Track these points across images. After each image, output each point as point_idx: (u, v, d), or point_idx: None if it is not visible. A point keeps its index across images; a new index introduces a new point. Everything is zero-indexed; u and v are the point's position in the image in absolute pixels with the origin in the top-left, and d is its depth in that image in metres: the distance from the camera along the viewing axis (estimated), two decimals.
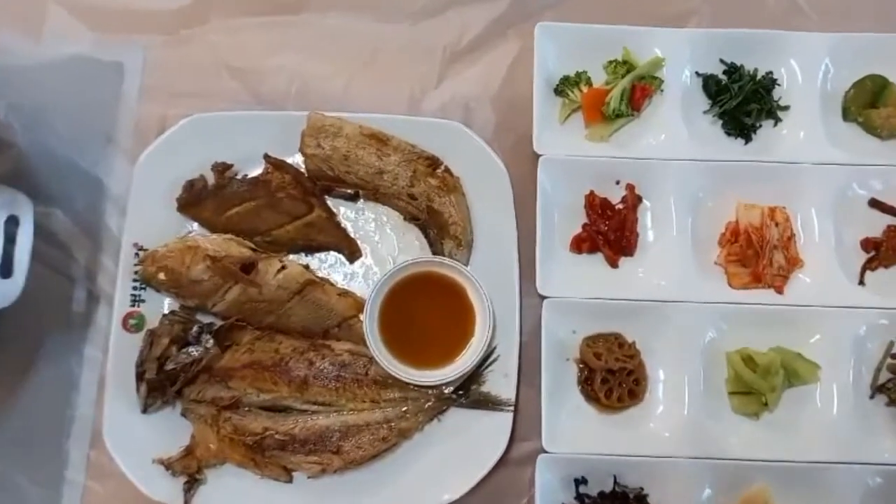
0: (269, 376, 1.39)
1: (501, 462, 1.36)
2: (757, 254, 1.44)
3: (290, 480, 1.37)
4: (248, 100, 1.64)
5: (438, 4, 1.63)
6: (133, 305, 1.46)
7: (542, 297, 1.40)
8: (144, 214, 1.46)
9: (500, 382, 1.40)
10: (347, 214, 1.51)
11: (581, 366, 1.43)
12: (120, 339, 1.42)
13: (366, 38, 1.66)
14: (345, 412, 1.39)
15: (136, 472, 1.34)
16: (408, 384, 1.38)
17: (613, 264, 1.48)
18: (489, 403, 1.40)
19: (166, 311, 1.43)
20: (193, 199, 1.47)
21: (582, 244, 1.48)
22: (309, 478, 1.36)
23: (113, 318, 1.43)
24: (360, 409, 1.39)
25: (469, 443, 1.37)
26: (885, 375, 1.42)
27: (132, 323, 1.45)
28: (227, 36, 1.65)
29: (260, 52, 1.66)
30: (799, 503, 1.33)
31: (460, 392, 1.41)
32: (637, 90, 1.57)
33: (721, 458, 1.35)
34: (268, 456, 1.35)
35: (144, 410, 1.37)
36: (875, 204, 1.54)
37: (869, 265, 1.51)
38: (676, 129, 1.49)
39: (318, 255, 1.50)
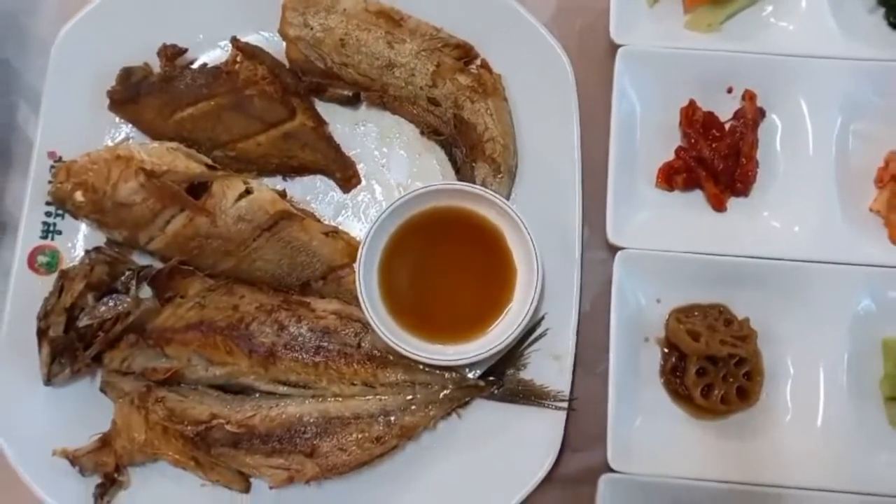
0: (222, 342, 1.15)
1: (548, 481, 1.14)
2: None
3: (246, 490, 1.15)
4: None
5: None
6: (45, 238, 1.24)
7: (615, 249, 1.18)
8: (65, 113, 1.26)
9: (549, 367, 1.17)
10: (343, 125, 1.28)
11: (667, 349, 1.18)
12: (24, 281, 1.21)
13: None
14: (326, 398, 1.16)
15: (30, 466, 1.14)
16: (416, 363, 1.15)
17: (719, 206, 1.23)
18: (532, 396, 1.15)
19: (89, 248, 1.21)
20: (131, 95, 1.24)
21: (675, 177, 1.24)
22: (271, 488, 1.13)
23: (16, 254, 1.22)
24: (347, 394, 1.16)
25: (502, 451, 1.15)
26: None
27: (42, 261, 1.23)
28: None
29: None
30: None
31: (491, 378, 1.17)
32: None
33: (872, 493, 1.10)
34: (215, 454, 1.13)
35: (48, 381, 1.15)
36: None
37: None
38: (818, 15, 1.24)
39: (299, 178, 1.27)
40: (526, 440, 1.14)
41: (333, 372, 1.14)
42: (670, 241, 1.19)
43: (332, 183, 1.26)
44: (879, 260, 1.16)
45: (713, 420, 1.16)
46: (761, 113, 1.23)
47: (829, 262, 1.16)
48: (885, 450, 1.13)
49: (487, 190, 1.17)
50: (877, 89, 1.21)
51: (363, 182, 1.26)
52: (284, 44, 1.25)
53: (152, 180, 1.15)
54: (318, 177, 1.27)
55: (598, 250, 1.21)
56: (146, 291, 1.19)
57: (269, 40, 1.27)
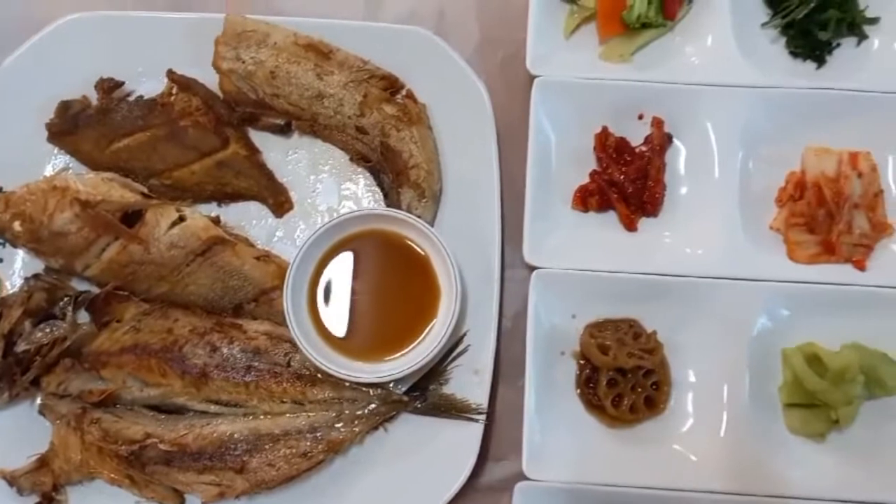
0: (156, 364, 1.20)
1: (468, 488, 1.18)
2: (830, 216, 1.24)
3: None
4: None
5: None
6: None
7: (532, 269, 1.22)
8: (6, 145, 1.30)
9: (470, 381, 1.22)
10: (275, 152, 1.33)
11: (582, 362, 1.24)
12: None
13: None
14: (257, 416, 1.20)
15: None
16: (343, 381, 1.18)
17: (630, 226, 1.28)
18: (453, 409, 1.20)
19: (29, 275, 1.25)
20: (69, 126, 1.29)
21: (589, 199, 1.29)
22: (204, 503, 1.17)
23: None
24: (277, 412, 1.20)
25: (425, 462, 1.20)
26: None
27: None
28: None
29: None
30: None
31: (415, 393, 1.22)
32: None
33: (771, 495, 1.15)
34: (149, 472, 1.17)
35: None
36: None
37: None
38: (724, 45, 1.29)
39: (234, 204, 1.32)
40: (448, 451, 1.18)
41: (264, 391, 1.19)
42: (586, 260, 1.23)
43: (265, 209, 1.30)
44: (779, 275, 1.21)
45: (624, 428, 1.20)
46: (668, 138, 1.28)
47: (732, 279, 1.20)
48: (783, 453, 1.18)
49: (410, 215, 1.23)
50: (778, 114, 1.26)
51: (295, 207, 1.30)
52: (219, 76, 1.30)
53: (87, 210, 1.19)
54: (252, 202, 1.31)
55: (520, 269, 1.26)
56: (85, 316, 1.24)
57: (203, 72, 1.30)
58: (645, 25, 1.30)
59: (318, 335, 1.21)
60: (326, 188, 1.32)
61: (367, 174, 1.32)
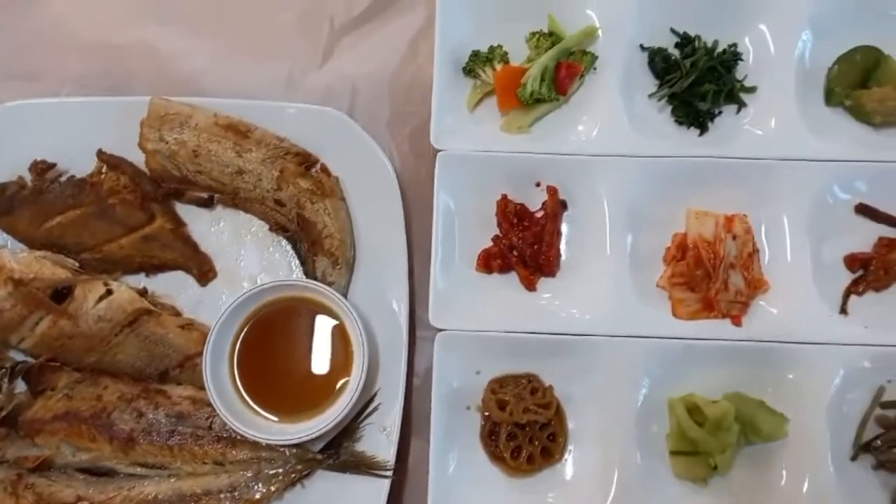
0: (86, 430, 1.28)
1: None
2: (708, 275, 1.32)
3: None
4: (96, 83, 1.50)
5: None
6: None
7: (439, 330, 1.30)
8: None
9: (379, 438, 1.30)
10: (200, 224, 1.41)
11: (486, 414, 1.31)
12: None
13: (237, 6, 1.52)
14: (181, 477, 1.28)
15: None
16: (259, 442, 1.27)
17: (530, 287, 1.37)
18: (363, 466, 1.29)
19: None
20: (6, 207, 1.37)
21: (492, 261, 1.38)
22: None
23: None
24: (200, 472, 1.29)
25: None
26: (871, 430, 1.29)
27: None
28: (73, 4, 1.52)
29: (113, 23, 1.53)
30: None
31: (330, 451, 1.30)
32: (562, 68, 1.39)
33: None
34: None
35: None
36: (863, 210, 1.37)
37: (854, 288, 1.34)
38: (613, 117, 1.38)
39: (161, 275, 1.40)
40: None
41: (187, 453, 1.27)
42: (490, 319, 1.31)
43: (190, 278, 1.38)
44: (664, 331, 1.29)
45: (523, 477, 1.28)
46: (563, 205, 1.36)
47: (621, 336, 1.28)
48: (671, 499, 1.27)
49: (322, 285, 1.31)
50: (664, 180, 1.34)
51: (219, 275, 1.38)
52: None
53: (20, 288, 1.28)
54: (179, 272, 1.39)
55: (430, 329, 1.32)
56: (22, 385, 1.32)
57: (132, 151, 1.37)
58: (538, 100, 1.37)
59: (237, 398, 1.29)
60: (248, 257, 1.40)
61: (286, 243, 1.40)
